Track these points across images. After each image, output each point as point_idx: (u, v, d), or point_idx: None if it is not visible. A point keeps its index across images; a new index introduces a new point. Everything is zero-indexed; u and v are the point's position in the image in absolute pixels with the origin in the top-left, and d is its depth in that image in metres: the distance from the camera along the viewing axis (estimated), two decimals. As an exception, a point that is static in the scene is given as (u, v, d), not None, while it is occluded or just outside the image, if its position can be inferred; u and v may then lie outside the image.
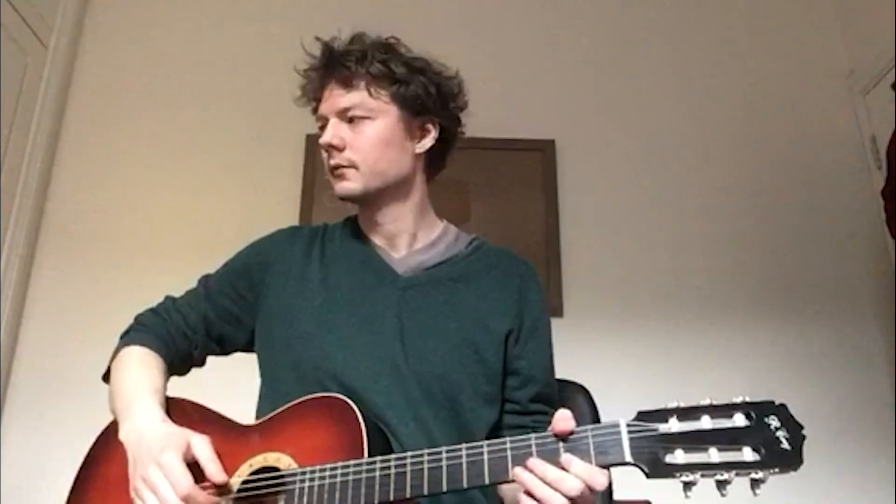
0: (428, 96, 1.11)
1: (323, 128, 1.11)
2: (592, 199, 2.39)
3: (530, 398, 1.09)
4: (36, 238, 2.27)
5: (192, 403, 1.05)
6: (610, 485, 1.24)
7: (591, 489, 0.76)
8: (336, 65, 1.09)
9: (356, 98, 1.08)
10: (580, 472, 0.76)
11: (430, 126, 1.14)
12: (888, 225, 2.12)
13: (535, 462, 0.77)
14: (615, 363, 2.15)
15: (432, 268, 1.12)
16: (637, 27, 2.62)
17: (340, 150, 1.08)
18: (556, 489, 0.76)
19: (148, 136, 2.41)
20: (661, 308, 2.26)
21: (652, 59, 2.58)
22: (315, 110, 1.15)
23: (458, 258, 1.14)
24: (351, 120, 1.08)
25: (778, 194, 2.41)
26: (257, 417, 1.03)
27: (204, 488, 0.87)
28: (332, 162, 1.08)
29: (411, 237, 1.14)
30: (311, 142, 2.31)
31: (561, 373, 1.27)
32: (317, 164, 2.32)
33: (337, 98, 1.09)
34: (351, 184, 1.08)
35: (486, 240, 1.21)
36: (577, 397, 1.32)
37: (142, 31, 2.55)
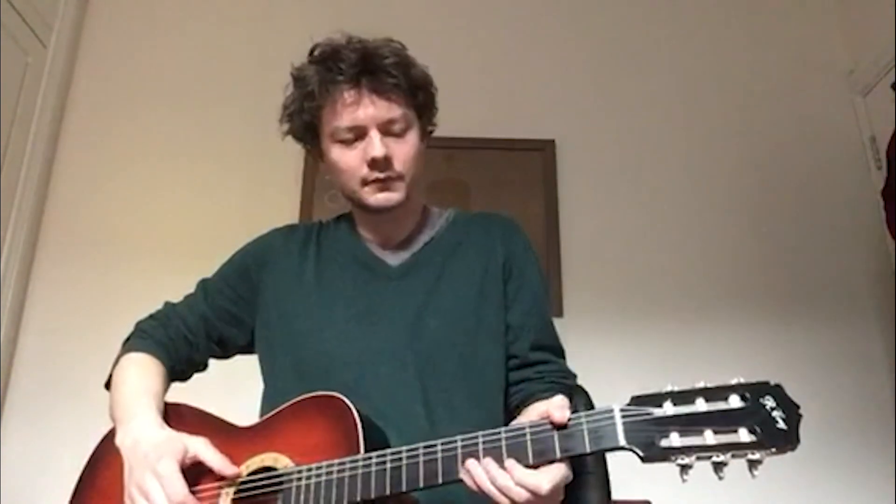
0: (432, 105, 1.14)
1: (349, 141, 1.06)
2: (592, 199, 2.39)
3: (529, 347, 1.10)
4: (36, 238, 2.27)
5: (189, 407, 1.05)
6: (609, 485, 1.24)
7: (535, 494, 0.76)
8: (378, 72, 1.04)
9: (399, 111, 1.06)
10: (522, 479, 0.77)
11: (427, 131, 1.17)
12: (888, 225, 2.11)
13: (485, 463, 0.79)
14: (615, 363, 2.15)
15: (419, 252, 1.14)
16: (637, 27, 2.62)
17: (392, 163, 1.05)
18: (505, 494, 0.77)
19: (148, 136, 2.41)
20: (660, 308, 2.26)
21: (652, 59, 2.58)
22: (316, 110, 1.07)
23: (440, 234, 1.17)
24: (395, 132, 1.06)
25: (778, 194, 2.41)
26: (260, 419, 1.03)
27: (195, 493, 0.87)
28: (383, 175, 1.05)
29: (404, 231, 1.17)
30: (311, 142, 2.30)
31: (561, 373, 1.26)
32: (317, 164, 2.31)
33: (380, 109, 1.04)
34: (397, 195, 1.07)
35: (458, 209, 1.23)
36: (576, 398, 1.31)
37: (142, 31, 2.55)
